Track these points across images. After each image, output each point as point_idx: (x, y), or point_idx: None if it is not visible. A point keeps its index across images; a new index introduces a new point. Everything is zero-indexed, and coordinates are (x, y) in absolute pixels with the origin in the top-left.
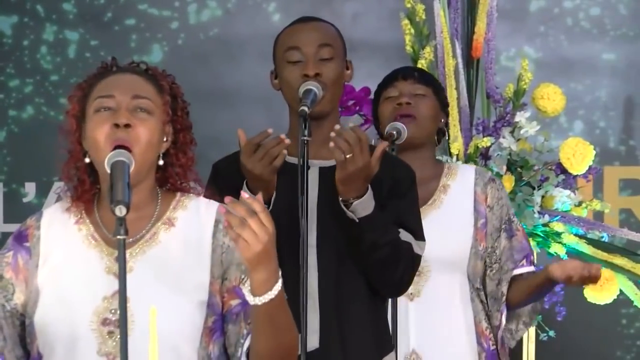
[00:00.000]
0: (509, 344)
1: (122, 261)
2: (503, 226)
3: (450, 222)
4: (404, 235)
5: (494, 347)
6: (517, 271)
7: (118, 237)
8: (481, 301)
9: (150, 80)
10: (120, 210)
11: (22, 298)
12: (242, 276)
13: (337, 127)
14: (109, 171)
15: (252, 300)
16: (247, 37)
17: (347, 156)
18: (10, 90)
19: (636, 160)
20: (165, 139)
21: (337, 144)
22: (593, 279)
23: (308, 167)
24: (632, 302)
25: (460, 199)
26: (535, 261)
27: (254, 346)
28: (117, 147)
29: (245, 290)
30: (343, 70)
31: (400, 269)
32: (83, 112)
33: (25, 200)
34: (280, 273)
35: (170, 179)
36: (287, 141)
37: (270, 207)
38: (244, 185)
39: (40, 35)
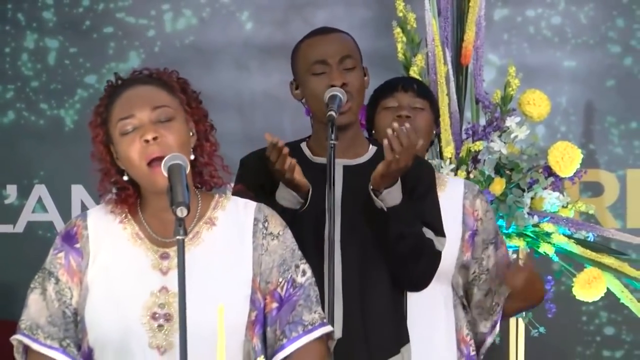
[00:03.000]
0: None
1: (181, 259)
2: (492, 239)
3: None
4: (426, 232)
5: (474, 352)
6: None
7: (178, 237)
8: (464, 308)
9: (161, 85)
10: (182, 212)
11: (77, 299)
12: (280, 279)
13: (395, 125)
14: (166, 175)
15: None
16: (221, 45)
17: (397, 157)
18: None
19: (596, 163)
20: (191, 134)
21: (392, 144)
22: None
23: (334, 169)
24: (619, 299)
25: (449, 211)
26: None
27: None
28: (153, 160)
29: None
30: (363, 77)
31: (423, 263)
32: (108, 135)
33: (7, 201)
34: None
35: (203, 171)
36: (286, 149)
37: (307, 205)
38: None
39: (21, 42)
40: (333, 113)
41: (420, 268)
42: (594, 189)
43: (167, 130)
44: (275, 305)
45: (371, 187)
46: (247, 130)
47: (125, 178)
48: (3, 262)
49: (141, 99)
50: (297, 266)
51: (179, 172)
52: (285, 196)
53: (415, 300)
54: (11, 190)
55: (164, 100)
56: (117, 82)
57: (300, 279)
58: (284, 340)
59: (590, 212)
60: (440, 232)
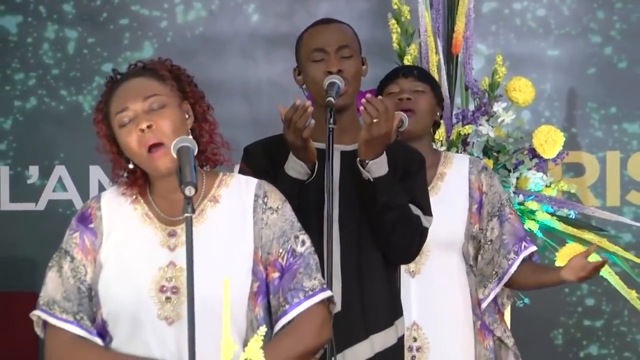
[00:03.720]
0: (502, 310)
1: (189, 236)
2: (496, 212)
3: (446, 207)
4: (414, 210)
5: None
6: (518, 261)
7: (186, 214)
8: (475, 275)
9: (151, 76)
10: (190, 191)
11: (91, 275)
12: (281, 250)
13: (369, 96)
14: (175, 156)
15: None
16: (229, 35)
17: (374, 120)
18: (15, 83)
19: (577, 145)
20: (187, 116)
21: (367, 109)
22: (600, 266)
23: (333, 151)
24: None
25: (456, 186)
26: None
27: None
28: (152, 146)
29: None
30: (361, 66)
31: (409, 235)
32: (110, 129)
33: (29, 181)
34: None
35: (204, 150)
36: (311, 108)
37: (314, 175)
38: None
39: (42, 33)
40: (332, 99)
41: (406, 240)
42: (576, 170)
43: (160, 117)
44: (276, 275)
45: (359, 159)
46: (253, 115)
47: (131, 166)
48: (26, 237)
49: (133, 91)
50: (296, 237)
51: (187, 153)
52: (294, 167)
53: (431, 268)
54: (33, 171)
55: (154, 90)
56: (115, 77)
57: (300, 249)
58: (287, 306)
59: (572, 191)
60: (427, 212)
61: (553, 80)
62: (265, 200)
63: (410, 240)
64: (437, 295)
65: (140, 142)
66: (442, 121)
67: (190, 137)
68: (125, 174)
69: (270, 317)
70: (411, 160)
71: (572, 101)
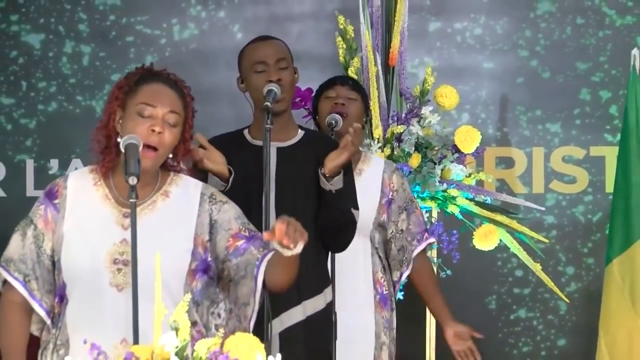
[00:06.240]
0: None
1: (134, 217)
2: (406, 206)
3: (360, 199)
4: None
5: (387, 291)
6: (420, 247)
7: (130, 200)
8: (379, 257)
9: (180, 95)
10: (132, 180)
11: (50, 244)
12: (240, 226)
13: (357, 125)
14: (123, 151)
15: (287, 252)
16: (217, 50)
17: (354, 148)
18: (39, 90)
19: (508, 142)
20: (178, 140)
21: (354, 141)
22: (472, 351)
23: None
24: (508, 248)
25: (371, 181)
26: (437, 216)
27: (274, 272)
28: (149, 146)
29: (277, 246)
30: (294, 75)
31: (350, 234)
32: (125, 103)
33: (50, 172)
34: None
35: (168, 162)
36: (201, 140)
37: (228, 187)
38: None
39: (61, 48)
40: (268, 104)
41: (348, 237)
42: (507, 163)
43: (169, 132)
44: (242, 241)
45: (327, 174)
46: (238, 116)
47: (119, 140)
48: None
49: (166, 97)
50: (249, 224)
51: (133, 149)
52: (212, 183)
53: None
54: (54, 163)
55: (178, 109)
56: (151, 70)
57: (254, 230)
58: (266, 250)
59: (489, 180)
60: (356, 206)
61: (488, 88)
62: (213, 198)
63: (350, 237)
64: (344, 272)
65: (144, 136)
66: (380, 122)
67: (136, 135)
68: (100, 154)
69: (209, 294)
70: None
71: (504, 105)
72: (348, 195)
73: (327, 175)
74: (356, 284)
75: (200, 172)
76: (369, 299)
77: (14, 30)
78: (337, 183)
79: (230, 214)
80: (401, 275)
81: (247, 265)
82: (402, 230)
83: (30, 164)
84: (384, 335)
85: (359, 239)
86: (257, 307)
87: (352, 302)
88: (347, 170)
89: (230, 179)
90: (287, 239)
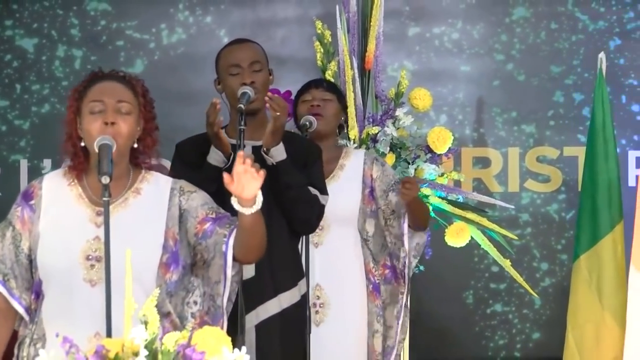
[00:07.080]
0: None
1: (107, 215)
2: (391, 187)
3: (344, 191)
4: (313, 190)
5: (378, 280)
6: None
7: (104, 199)
8: (369, 248)
9: (129, 86)
10: (105, 179)
11: (27, 244)
12: (207, 211)
13: (270, 94)
14: (97, 151)
15: (247, 210)
16: (205, 54)
17: (277, 114)
18: (33, 92)
19: (485, 142)
20: (138, 128)
21: (272, 105)
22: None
23: (244, 146)
24: (480, 245)
25: (352, 174)
26: None
27: (242, 241)
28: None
29: (237, 206)
30: (268, 77)
31: (308, 210)
32: (79, 108)
33: (44, 172)
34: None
35: (139, 157)
36: (219, 106)
37: (229, 163)
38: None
39: (54, 52)
40: (242, 106)
41: (307, 213)
42: (484, 162)
43: (123, 120)
44: (208, 223)
45: (265, 147)
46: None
47: (83, 144)
48: None
49: (112, 90)
50: (218, 208)
51: (106, 149)
52: (214, 156)
53: (331, 240)
54: (47, 163)
55: (127, 98)
56: (100, 72)
57: (222, 212)
58: (232, 226)
59: (461, 179)
60: (324, 192)
61: (465, 90)
62: (181, 190)
63: (310, 214)
64: (335, 261)
65: (100, 132)
66: (356, 123)
67: (110, 137)
68: (70, 158)
69: (184, 285)
70: (310, 152)
71: (481, 107)
72: (309, 178)
73: (266, 148)
74: (348, 274)
75: (205, 143)
76: (362, 288)
77: (8, 35)
78: (277, 154)
79: (197, 201)
80: (406, 255)
81: (216, 245)
82: (393, 210)
83: (24, 164)
84: (377, 323)
85: (347, 229)
86: (228, 284)
87: (345, 292)
88: (315, 160)
89: (231, 156)
90: (248, 164)
